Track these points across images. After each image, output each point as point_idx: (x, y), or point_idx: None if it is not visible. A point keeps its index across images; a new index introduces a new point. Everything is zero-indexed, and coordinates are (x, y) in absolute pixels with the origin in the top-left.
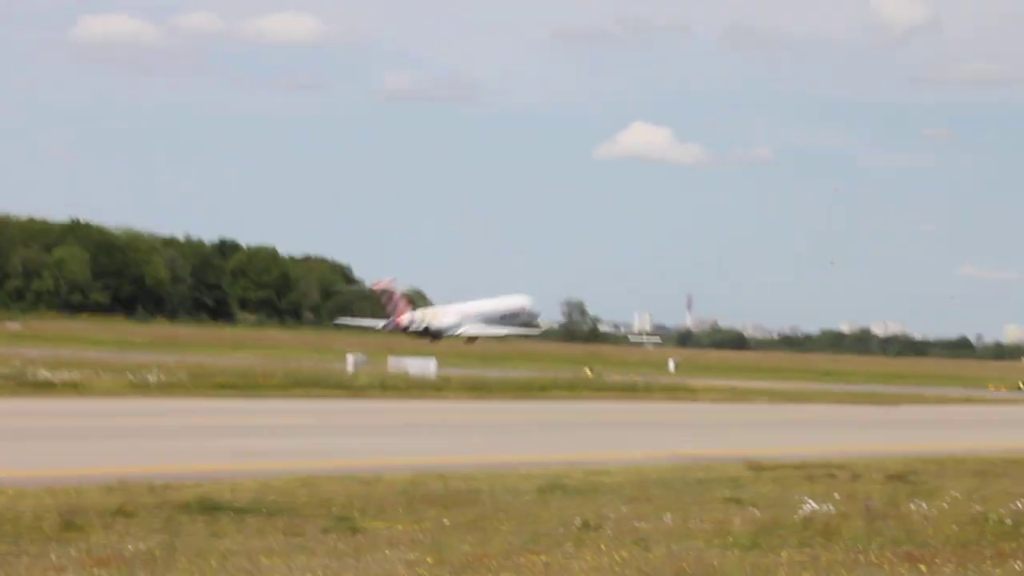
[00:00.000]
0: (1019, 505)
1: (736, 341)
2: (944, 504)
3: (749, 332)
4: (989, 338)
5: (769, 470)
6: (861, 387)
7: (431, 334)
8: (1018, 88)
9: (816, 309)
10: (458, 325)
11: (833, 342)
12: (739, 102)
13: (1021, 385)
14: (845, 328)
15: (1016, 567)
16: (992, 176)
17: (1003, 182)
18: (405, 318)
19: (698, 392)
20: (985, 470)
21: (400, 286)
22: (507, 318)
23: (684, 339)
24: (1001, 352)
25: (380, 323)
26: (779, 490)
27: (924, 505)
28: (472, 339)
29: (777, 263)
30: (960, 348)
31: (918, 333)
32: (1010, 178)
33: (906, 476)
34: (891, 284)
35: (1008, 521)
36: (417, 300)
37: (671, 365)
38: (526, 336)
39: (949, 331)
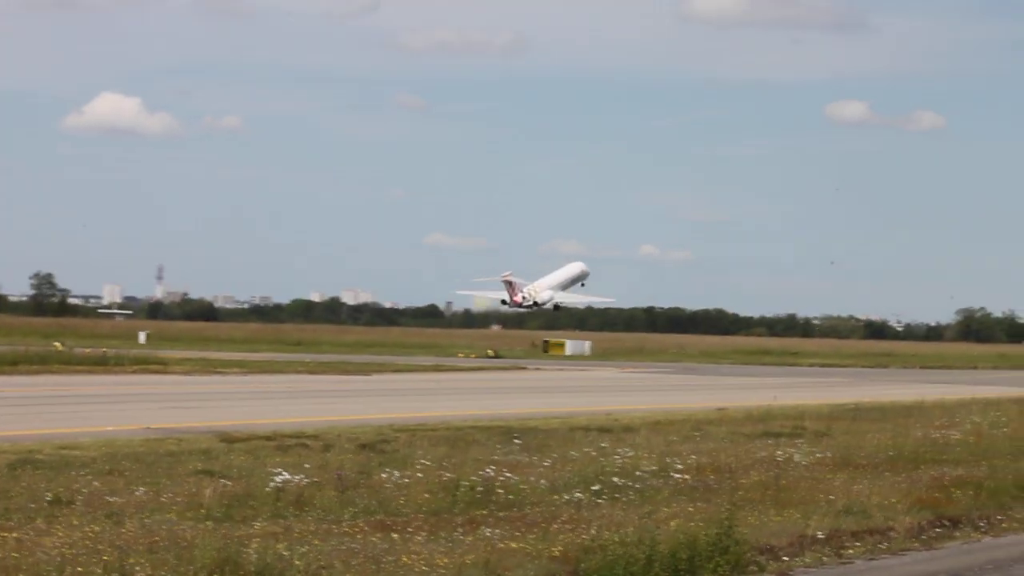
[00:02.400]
0: (490, 472)
1: (206, 312)
2: (416, 472)
3: (219, 303)
4: (458, 306)
5: (241, 441)
6: (332, 357)
7: (537, 306)
8: (486, 57)
9: (288, 279)
10: (551, 298)
11: (304, 312)
12: (209, 71)
13: (490, 352)
14: (316, 297)
15: (487, 533)
16: (459, 144)
17: (474, 150)
18: (519, 298)
19: (169, 364)
20: (456, 438)
21: (515, 276)
22: (575, 283)
23: (155, 311)
24: (470, 320)
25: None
26: (251, 461)
27: (396, 474)
28: (558, 307)
29: (244, 234)
30: (430, 316)
31: (388, 301)
32: (480, 146)
33: (378, 445)
34: (360, 253)
35: (479, 488)
36: None
37: (142, 337)
38: (603, 304)
39: (418, 299)
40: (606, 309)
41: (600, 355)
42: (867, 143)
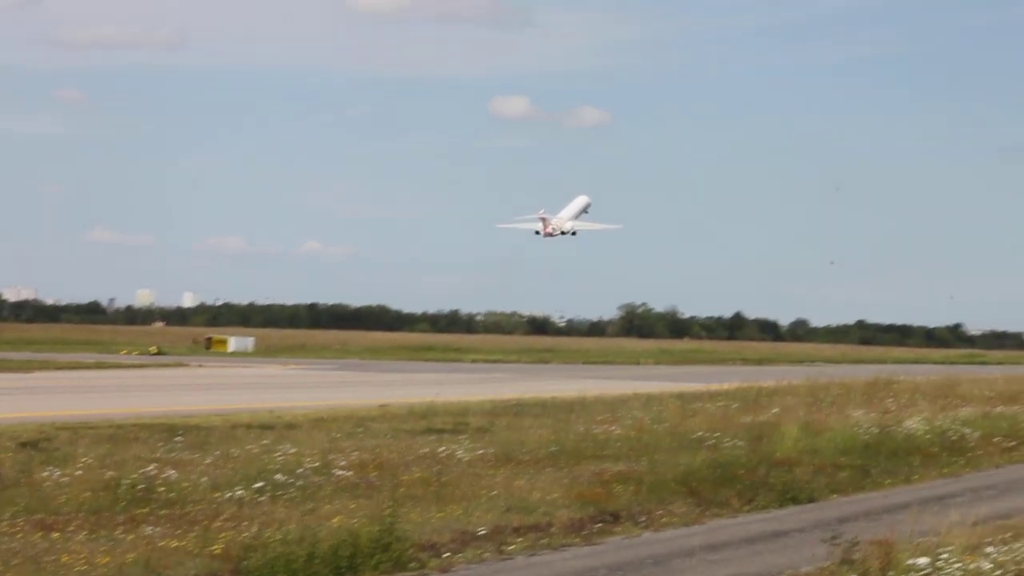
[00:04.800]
0: (152, 470)
1: None
2: (78, 471)
3: None
4: (121, 302)
5: None
6: None
7: (563, 234)
8: (146, 52)
9: None
10: (572, 227)
11: None
12: None
13: (153, 350)
14: None
15: (148, 531)
16: (121, 139)
17: (136, 146)
18: (550, 229)
19: None
20: (118, 435)
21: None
22: (583, 212)
23: None
24: (133, 316)
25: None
26: None
27: (57, 472)
28: (575, 233)
29: None
30: (92, 313)
31: (50, 298)
32: (142, 141)
33: (39, 443)
34: (21, 249)
35: (141, 486)
36: None
37: None
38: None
39: (81, 295)
40: (269, 305)
41: (263, 352)
42: (529, 138)
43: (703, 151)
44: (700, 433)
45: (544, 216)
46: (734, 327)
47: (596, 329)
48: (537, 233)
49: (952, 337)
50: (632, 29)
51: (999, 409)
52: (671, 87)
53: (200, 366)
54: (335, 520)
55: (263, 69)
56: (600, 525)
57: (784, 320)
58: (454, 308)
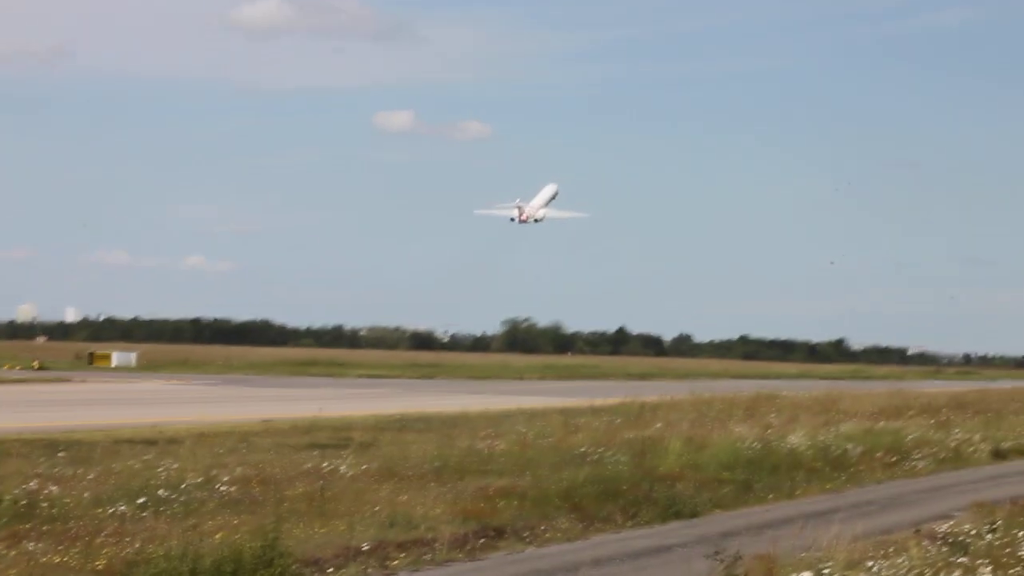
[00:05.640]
0: (33, 486)
1: None
2: None
3: None
4: (2, 317)
5: None
6: None
7: (536, 221)
8: (27, 64)
9: None
10: (544, 215)
11: None
12: None
13: (35, 364)
14: None
15: (30, 547)
16: (3, 153)
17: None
18: (525, 216)
19: None
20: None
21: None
22: (552, 200)
23: None
24: (15, 331)
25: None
26: None
27: None
28: (541, 220)
29: None
30: None
31: None
32: (26, 153)
33: None
34: None
35: (23, 502)
36: None
37: None
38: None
39: None
40: (152, 320)
41: (146, 367)
42: (413, 152)
43: (585, 165)
44: (584, 448)
45: (520, 204)
46: (618, 342)
47: (480, 344)
48: (512, 220)
49: (835, 352)
50: (515, 42)
51: (881, 424)
52: (550, 101)
53: (83, 381)
54: (218, 536)
55: (144, 81)
56: (484, 541)
57: (668, 335)
58: (338, 323)
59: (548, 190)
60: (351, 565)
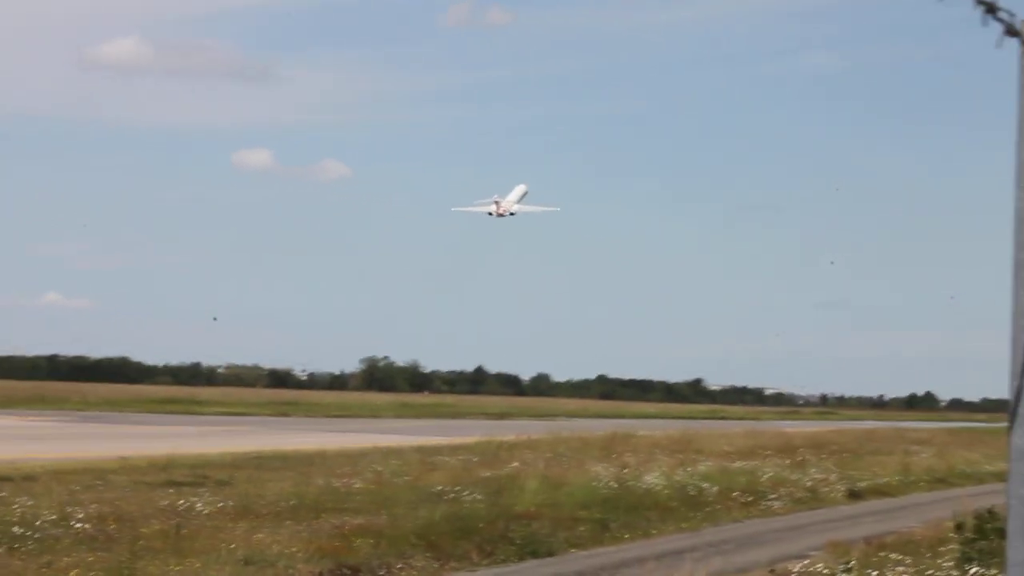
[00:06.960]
0: None
1: None
2: None
3: None
4: None
5: None
6: None
7: (511, 215)
8: None
9: None
10: (518, 210)
11: None
12: None
13: None
14: None
15: None
16: None
17: None
18: (501, 210)
19: None
20: None
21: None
22: (523, 197)
23: None
24: None
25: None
26: None
27: None
28: (514, 214)
29: None
30: None
31: None
32: None
33: None
34: None
35: None
36: None
37: None
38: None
39: None
40: (8, 357)
41: (1, 404)
42: (273, 191)
43: (442, 205)
44: (440, 487)
45: (497, 199)
46: (476, 381)
47: (338, 382)
48: (490, 214)
49: (692, 392)
50: (373, 84)
51: (738, 464)
52: (407, 142)
53: None
54: (72, 573)
55: (3, 119)
56: None
57: (526, 375)
58: (195, 360)
59: (520, 189)
60: None
